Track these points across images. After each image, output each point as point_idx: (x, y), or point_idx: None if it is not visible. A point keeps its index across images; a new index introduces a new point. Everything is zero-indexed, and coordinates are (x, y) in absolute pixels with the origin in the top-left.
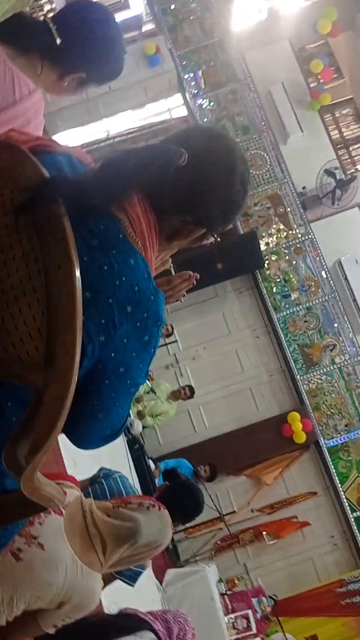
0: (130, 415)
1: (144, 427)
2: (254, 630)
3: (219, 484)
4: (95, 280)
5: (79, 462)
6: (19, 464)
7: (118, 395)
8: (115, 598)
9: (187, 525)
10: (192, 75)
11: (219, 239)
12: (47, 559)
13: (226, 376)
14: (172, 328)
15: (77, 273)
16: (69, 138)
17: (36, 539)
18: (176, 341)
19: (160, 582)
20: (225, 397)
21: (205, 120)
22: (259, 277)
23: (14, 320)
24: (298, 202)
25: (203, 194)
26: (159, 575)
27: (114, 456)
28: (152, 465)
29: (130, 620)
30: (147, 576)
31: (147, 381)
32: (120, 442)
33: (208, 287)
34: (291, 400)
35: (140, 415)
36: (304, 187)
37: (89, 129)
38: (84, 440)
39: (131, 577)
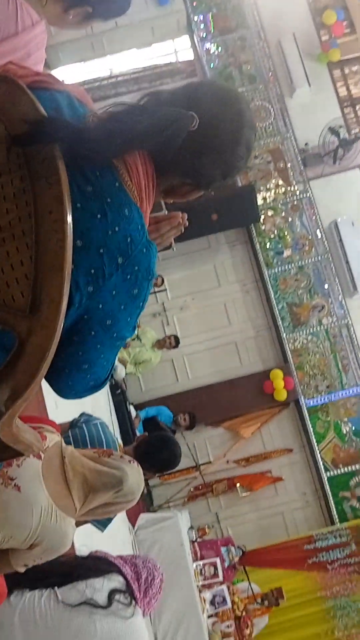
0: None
1: (127, 374)
2: (221, 578)
3: (197, 434)
4: (87, 229)
5: (61, 403)
6: None
7: (103, 348)
8: (86, 540)
9: (163, 472)
10: (201, 17)
11: (212, 193)
12: (23, 500)
13: (212, 329)
14: (163, 280)
15: (69, 219)
16: (70, 73)
17: (13, 480)
18: (165, 290)
19: (133, 526)
20: (210, 350)
21: (211, 65)
22: (254, 231)
23: (1, 263)
24: (299, 158)
25: (207, 159)
26: (132, 519)
27: (96, 400)
28: (133, 412)
29: (99, 563)
30: (121, 519)
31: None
32: (103, 389)
33: (201, 237)
34: (275, 357)
35: (123, 362)
36: (306, 144)
37: (92, 65)
38: (66, 389)
39: (103, 523)
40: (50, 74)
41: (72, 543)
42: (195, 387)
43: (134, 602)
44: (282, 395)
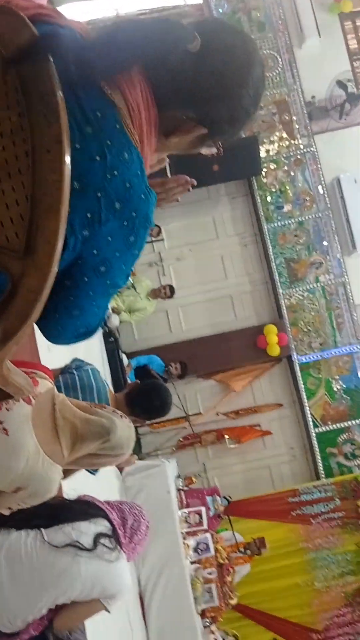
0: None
1: (120, 322)
2: (205, 526)
3: (188, 386)
4: (85, 171)
5: (53, 348)
6: None
7: (96, 295)
8: (75, 484)
9: (153, 420)
10: None
11: (221, 149)
12: (10, 444)
13: (209, 281)
14: (160, 230)
15: (68, 160)
16: (75, 11)
17: (1, 424)
18: (162, 240)
19: (121, 472)
20: (205, 302)
21: (220, 10)
22: (255, 184)
23: None
24: (305, 111)
25: (210, 88)
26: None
27: (89, 347)
28: (125, 360)
29: (87, 507)
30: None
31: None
32: (96, 336)
33: (201, 188)
34: (270, 312)
35: (116, 311)
36: (313, 97)
37: (96, 4)
38: (56, 335)
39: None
40: (55, 8)
41: (60, 486)
42: (188, 339)
43: (118, 547)
44: (275, 350)
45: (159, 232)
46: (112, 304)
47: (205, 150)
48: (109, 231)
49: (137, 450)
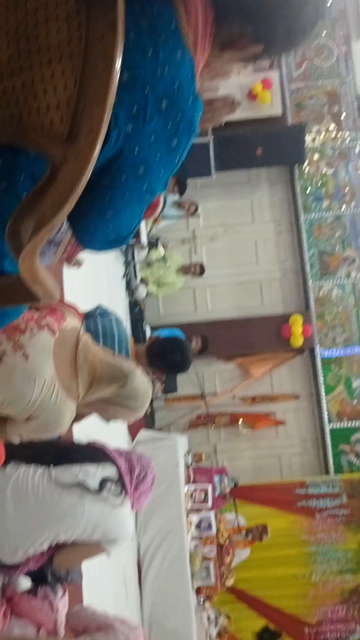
0: (137, 279)
1: (147, 294)
2: (210, 505)
3: (208, 366)
4: (136, 63)
5: (80, 300)
6: (21, 240)
7: (131, 198)
8: (86, 430)
9: (169, 395)
10: None
11: (273, 65)
12: (28, 370)
13: (239, 264)
14: (197, 207)
15: (120, 48)
16: None
17: (23, 348)
18: (198, 217)
19: (132, 440)
20: (233, 284)
21: None
22: (297, 172)
23: (43, 83)
24: (355, 105)
25: (270, 4)
26: (132, 433)
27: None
28: (148, 332)
29: (96, 452)
30: (122, 431)
31: (161, 248)
32: (122, 300)
33: (242, 170)
34: (298, 303)
35: (144, 281)
36: None
37: None
38: (87, 237)
39: None
40: None
41: (71, 429)
42: (212, 320)
43: (124, 493)
44: (298, 341)
45: (196, 210)
46: (141, 275)
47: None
48: (152, 130)
49: (150, 423)
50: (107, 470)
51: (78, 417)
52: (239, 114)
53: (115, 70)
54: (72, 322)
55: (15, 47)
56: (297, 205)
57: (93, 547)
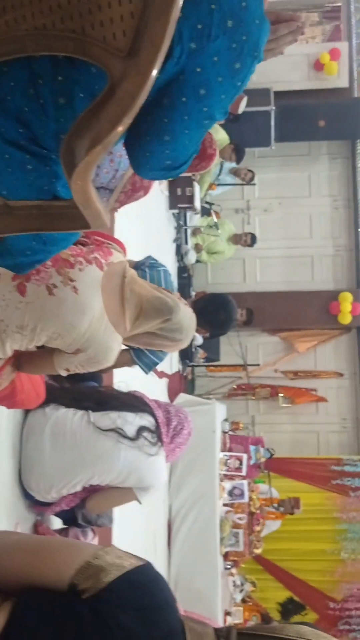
0: (187, 244)
1: (196, 261)
2: (244, 473)
3: (252, 337)
4: None
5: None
6: (75, 158)
7: (190, 122)
8: (127, 380)
9: (210, 363)
10: None
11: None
12: (78, 302)
13: (292, 237)
14: (253, 176)
15: None
16: None
17: (73, 282)
18: (254, 186)
19: (171, 402)
20: (284, 258)
21: None
22: (358, 148)
23: None
24: None
25: None
26: (171, 396)
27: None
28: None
29: (135, 401)
30: (161, 393)
31: (213, 215)
32: (171, 265)
33: (303, 142)
34: (349, 280)
35: (198, 248)
36: None
37: None
38: (143, 160)
39: (148, 365)
40: None
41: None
42: (260, 291)
43: (160, 443)
44: (346, 319)
45: (252, 178)
46: (194, 241)
47: None
48: (216, 50)
49: (191, 390)
50: (144, 420)
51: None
52: (303, 84)
53: None
54: (119, 257)
55: None
56: (357, 182)
57: (126, 493)
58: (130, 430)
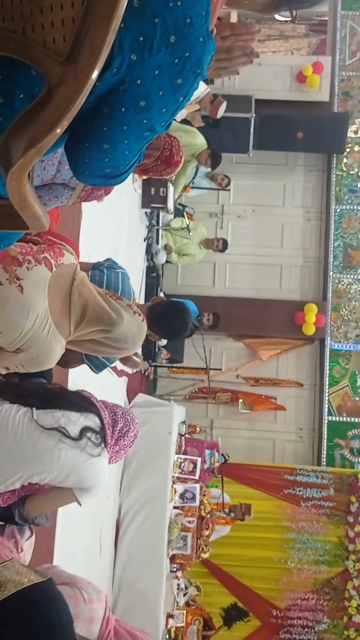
0: (158, 244)
1: (166, 262)
2: (197, 477)
3: (217, 342)
4: None
5: (94, 255)
6: (11, 159)
7: (130, 132)
8: (79, 381)
9: (173, 364)
10: None
11: (295, 18)
12: (23, 302)
13: (263, 246)
14: (229, 182)
15: None
16: None
17: (19, 280)
18: (229, 192)
19: (129, 402)
20: (253, 265)
21: None
22: (334, 162)
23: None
24: None
25: None
26: (130, 395)
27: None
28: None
29: (82, 400)
30: (119, 390)
31: (186, 217)
32: (140, 263)
33: (280, 152)
34: (315, 292)
35: (168, 249)
36: None
37: None
38: (82, 166)
39: (98, 366)
40: None
41: (66, 379)
42: (228, 296)
43: (103, 444)
44: (310, 330)
45: (228, 183)
46: (164, 241)
47: (279, 17)
48: (157, 64)
49: (152, 390)
50: (89, 420)
51: (74, 362)
52: (285, 94)
53: None
54: (70, 259)
55: None
56: (330, 195)
57: (65, 494)
58: (74, 430)
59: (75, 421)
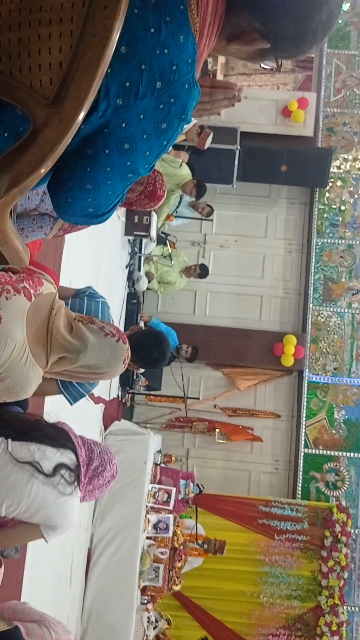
0: (140, 271)
1: (147, 289)
2: (171, 507)
3: (195, 370)
4: (136, 39)
5: (75, 280)
6: None
7: (113, 174)
8: (58, 412)
9: (150, 392)
10: None
11: (280, 67)
12: (0, 331)
13: (244, 276)
14: (212, 211)
15: (121, 21)
16: None
17: None
18: (212, 222)
19: (105, 429)
20: (234, 295)
21: None
22: (317, 195)
23: (40, 43)
24: None
25: (282, 3)
26: (106, 422)
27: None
28: (142, 324)
29: (60, 435)
30: (95, 418)
31: (168, 246)
32: (121, 290)
33: (264, 184)
34: (295, 323)
35: (149, 276)
36: None
37: None
38: (64, 205)
39: (74, 397)
40: None
41: (42, 406)
42: (208, 325)
43: (76, 483)
44: (289, 361)
45: (211, 212)
46: (146, 269)
47: (265, 65)
48: (143, 109)
49: (129, 417)
50: (65, 457)
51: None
52: (270, 128)
53: (111, 42)
54: (49, 288)
55: (18, 2)
56: (312, 228)
57: (33, 530)
58: (47, 466)
59: (50, 457)
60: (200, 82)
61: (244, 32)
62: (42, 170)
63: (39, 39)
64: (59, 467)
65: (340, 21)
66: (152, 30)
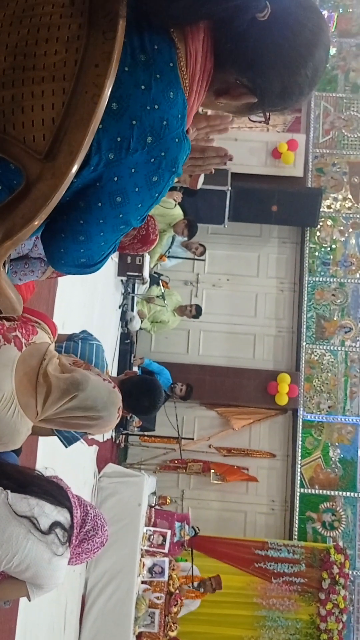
0: (133, 311)
1: (140, 328)
2: (166, 550)
3: (189, 410)
4: (126, 95)
5: (68, 325)
6: None
7: (106, 225)
8: (53, 464)
9: (144, 433)
10: (326, 13)
11: (268, 120)
12: None
13: (237, 315)
14: (205, 250)
15: (112, 78)
16: None
17: None
18: (204, 261)
19: (99, 471)
20: (228, 333)
21: None
22: (308, 235)
23: (33, 100)
24: None
25: (269, 60)
26: (100, 465)
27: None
28: (135, 368)
29: (59, 492)
30: (88, 460)
31: (161, 286)
32: (115, 330)
33: (255, 224)
34: (288, 362)
35: (141, 315)
36: None
37: None
38: (57, 256)
39: (68, 439)
40: None
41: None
42: (202, 364)
43: (68, 544)
44: (283, 400)
45: (203, 252)
46: (139, 308)
47: (254, 118)
48: (134, 163)
49: (122, 459)
50: (61, 515)
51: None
52: (260, 169)
53: (103, 99)
54: (43, 337)
55: (12, 60)
56: (303, 267)
57: (18, 586)
58: (44, 523)
59: (48, 514)
60: (195, 121)
61: (232, 87)
62: (36, 223)
63: (32, 96)
64: (54, 525)
65: (327, 65)
66: (143, 87)
